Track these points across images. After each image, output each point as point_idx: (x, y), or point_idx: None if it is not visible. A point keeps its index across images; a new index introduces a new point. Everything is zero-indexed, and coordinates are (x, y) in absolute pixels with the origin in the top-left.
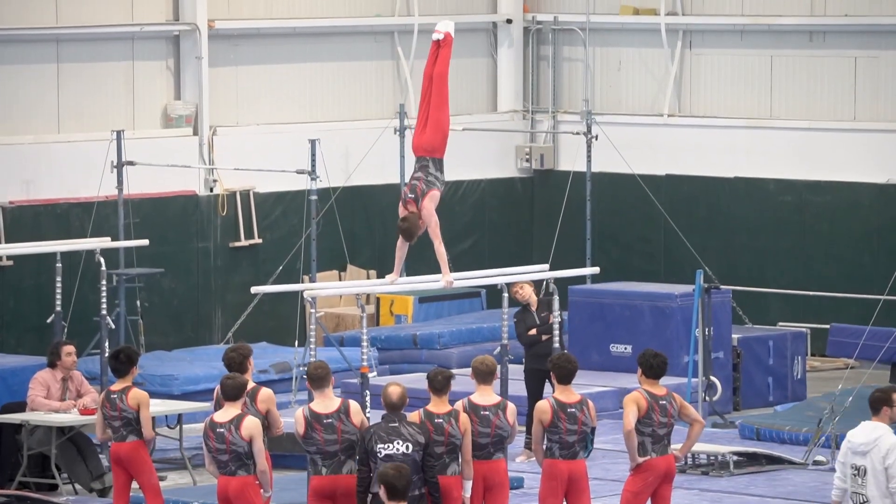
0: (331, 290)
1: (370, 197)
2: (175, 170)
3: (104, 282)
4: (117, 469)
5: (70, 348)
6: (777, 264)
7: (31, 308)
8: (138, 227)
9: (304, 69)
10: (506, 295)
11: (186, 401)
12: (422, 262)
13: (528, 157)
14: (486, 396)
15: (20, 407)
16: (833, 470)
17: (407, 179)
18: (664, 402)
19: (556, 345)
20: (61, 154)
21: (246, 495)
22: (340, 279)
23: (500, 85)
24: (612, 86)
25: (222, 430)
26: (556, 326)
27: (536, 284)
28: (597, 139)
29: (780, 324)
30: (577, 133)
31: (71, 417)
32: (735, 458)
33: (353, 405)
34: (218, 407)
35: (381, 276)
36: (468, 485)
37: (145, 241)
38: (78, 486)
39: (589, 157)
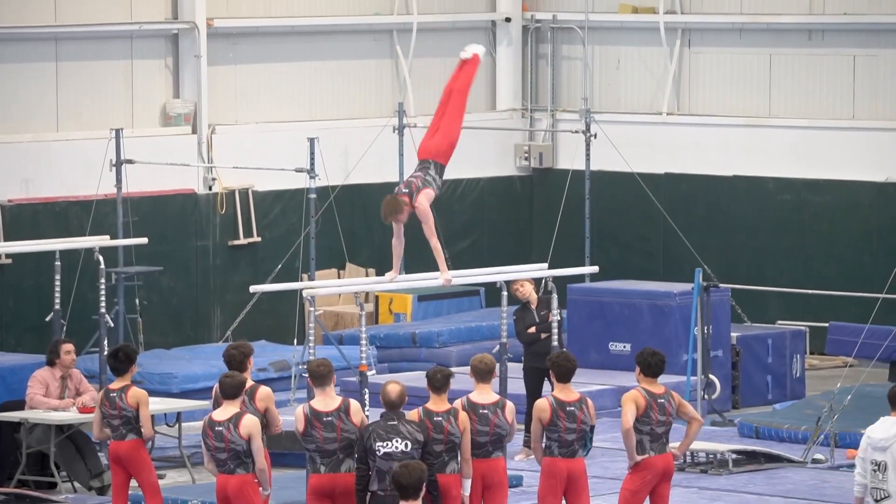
0: (330, 289)
1: (369, 195)
2: (174, 168)
3: (103, 280)
4: (116, 467)
5: (69, 346)
6: (776, 263)
7: (30, 306)
8: (137, 226)
9: (303, 68)
10: (505, 293)
11: (185, 399)
12: (420, 260)
13: (527, 155)
14: (485, 395)
15: (19, 405)
16: (832, 468)
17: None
18: (662, 400)
19: (555, 343)
20: (60, 152)
21: (245, 493)
22: (339, 277)
23: (499, 83)
24: (611, 84)
25: (221, 428)
26: (556, 325)
27: (535, 283)
28: (595, 138)
29: (779, 322)
30: (576, 132)
31: (70, 416)
32: (734, 456)
33: (354, 404)
34: (216, 405)
35: (380, 274)
36: (467, 483)
37: (144, 240)
38: (77, 485)
39: (588, 155)
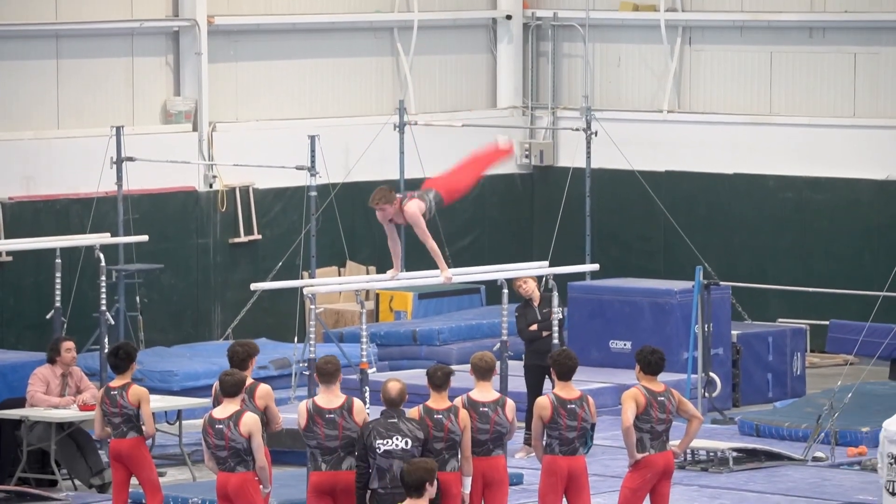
0: (330, 287)
1: (370, 193)
2: (174, 166)
3: (103, 278)
4: (117, 465)
5: (69, 344)
6: (776, 261)
7: (31, 304)
8: (138, 224)
9: (304, 65)
10: (505, 291)
11: (186, 397)
12: (421, 259)
13: (527, 153)
14: (486, 393)
15: (20, 403)
16: (833, 466)
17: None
18: (662, 398)
19: (556, 341)
20: (61, 150)
21: (245, 491)
22: (340, 275)
23: (500, 81)
24: (612, 82)
25: (221, 426)
26: (556, 323)
27: (536, 280)
28: (596, 135)
29: (780, 320)
30: (577, 129)
31: (70, 413)
32: (734, 454)
33: (357, 404)
34: (216, 403)
35: (380, 272)
36: (467, 481)
37: (145, 237)
38: (77, 482)
39: (588, 153)
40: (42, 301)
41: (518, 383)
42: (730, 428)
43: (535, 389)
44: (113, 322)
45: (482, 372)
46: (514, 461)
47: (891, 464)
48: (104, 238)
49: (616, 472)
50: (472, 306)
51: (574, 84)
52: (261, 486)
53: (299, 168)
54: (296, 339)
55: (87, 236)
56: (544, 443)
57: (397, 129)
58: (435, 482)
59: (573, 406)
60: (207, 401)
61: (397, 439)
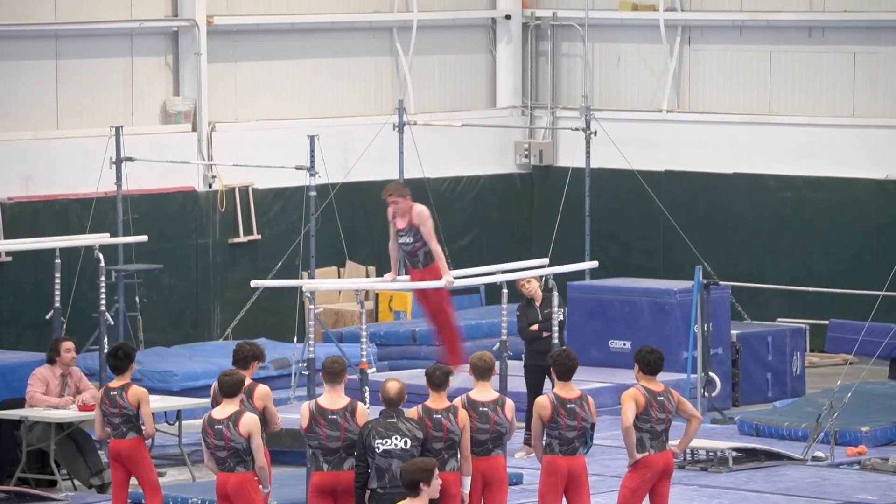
0: (330, 285)
1: (369, 193)
2: (174, 166)
3: (103, 278)
4: (116, 465)
5: (69, 344)
6: (776, 260)
7: (30, 304)
8: (137, 224)
9: (303, 65)
10: (505, 291)
11: (185, 397)
12: None
13: (526, 152)
14: (485, 393)
15: (19, 403)
16: (832, 466)
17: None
18: (662, 398)
19: (556, 341)
20: (60, 150)
21: (245, 491)
22: (339, 275)
23: (499, 81)
24: (611, 82)
25: (220, 426)
26: (556, 323)
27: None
28: (595, 135)
29: (779, 320)
30: (576, 129)
31: (70, 413)
32: (734, 453)
33: (361, 407)
34: (215, 403)
35: (380, 272)
36: (467, 481)
37: (144, 238)
38: (77, 483)
39: (588, 153)
40: (41, 301)
41: (517, 383)
42: (729, 427)
43: (534, 389)
44: (112, 322)
45: (481, 372)
46: (514, 461)
47: None
48: (104, 238)
49: (616, 471)
50: (472, 306)
51: (573, 84)
52: (260, 486)
53: (299, 168)
54: (295, 339)
55: (86, 236)
56: (544, 442)
57: (396, 129)
58: (432, 482)
59: (573, 406)
60: (207, 401)
61: (396, 439)
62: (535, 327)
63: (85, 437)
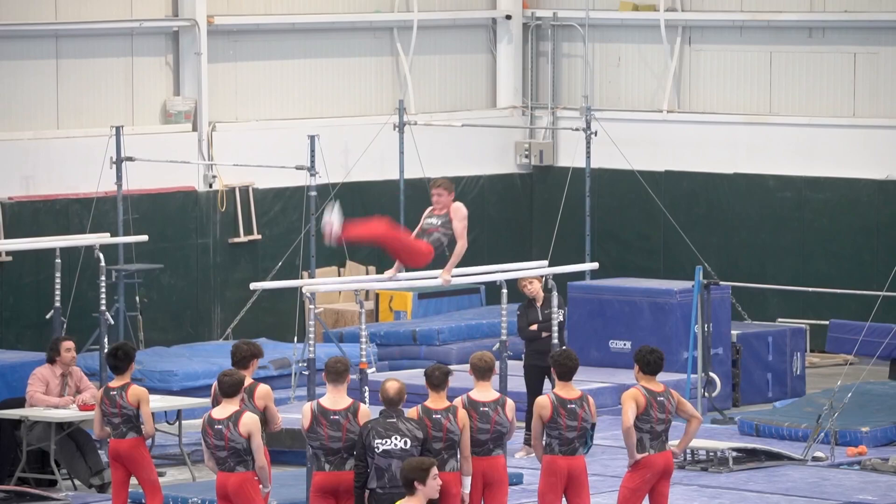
0: (330, 286)
1: (369, 193)
2: (174, 166)
3: (103, 278)
4: (116, 465)
5: (69, 344)
6: (776, 260)
7: (30, 304)
8: (137, 223)
9: (304, 65)
10: (505, 291)
11: (185, 397)
12: None
13: (527, 153)
14: (485, 393)
15: (19, 403)
16: (832, 466)
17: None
18: (662, 398)
19: (556, 341)
20: (60, 150)
21: (245, 491)
22: (339, 275)
23: (500, 81)
24: (612, 82)
25: (220, 426)
26: (556, 323)
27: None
28: (596, 135)
29: (780, 320)
30: (577, 129)
31: (70, 413)
32: (734, 454)
33: (363, 408)
34: (215, 403)
35: (380, 272)
36: (467, 481)
37: (144, 237)
38: (77, 482)
39: (588, 153)
40: (42, 301)
41: (517, 383)
42: (729, 428)
43: (535, 389)
44: (112, 322)
45: (482, 372)
46: (514, 461)
47: None
48: (104, 238)
49: (616, 471)
50: (472, 306)
51: (574, 84)
52: (260, 486)
53: (299, 168)
54: (295, 339)
55: (86, 236)
56: (544, 443)
57: (397, 129)
58: (428, 482)
59: (573, 406)
60: (207, 401)
61: (396, 439)
62: (534, 327)
63: (85, 437)
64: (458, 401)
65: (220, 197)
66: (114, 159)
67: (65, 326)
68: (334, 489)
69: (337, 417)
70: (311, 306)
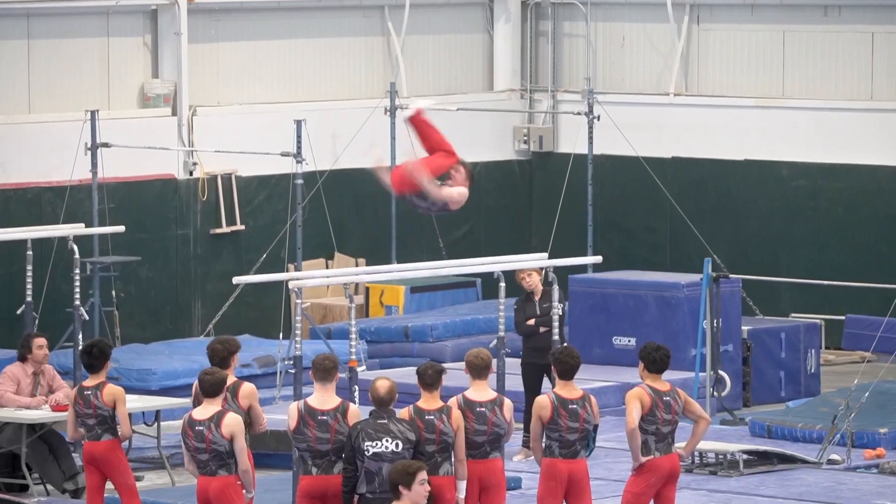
0: (317, 280)
1: (359, 181)
2: (152, 152)
3: (77, 271)
4: (91, 469)
5: (41, 341)
6: (790, 252)
7: (1, 298)
8: (114, 213)
9: (290, 46)
10: (503, 285)
11: (164, 397)
12: (412, 251)
13: (526, 138)
14: (482, 392)
15: None
16: (849, 469)
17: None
18: (668, 398)
19: (556, 337)
20: (32, 135)
21: (227, 496)
22: (328, 268)
23: (497, 62)
24: (615, 63)
25: (202, 427)
26: (556, 318)
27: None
28: (599, 120)
29: (793, 315)
30: (578, 113)
31: (42, 414)
32: (745, 456)
33: (353, 408)
34: (196, 403)
35: (370, 264)
36: (462, 485)
37: (121, 228)
38: (50, 487)
39: (590, 138)
40: (12, 295)
41: (515, 382)
42: (740, 429)
43: (532, 388)
44: (87, 317)
45: (478, 370)
46: (513, 464)
47: None
48: (78, 229)
49: (619, 475)
50: (468, 300)
51: (575, 65)
52: (244, 491)
53: (284, 154)
54: (281, 336)
55: (60, 227)
56: (544, 445)
57: (388, 113)
58: (414, 487)
59: (575, 406)
60: (187, 401)
61: (387, 441)
62: (532, 322)
63: (58, 439)
64: (453, 401)
65: (202, 185)
66: (89, 145)
67: (37, 322)
68: (322, 494)
69: (325, 418)
70: (298, 301)
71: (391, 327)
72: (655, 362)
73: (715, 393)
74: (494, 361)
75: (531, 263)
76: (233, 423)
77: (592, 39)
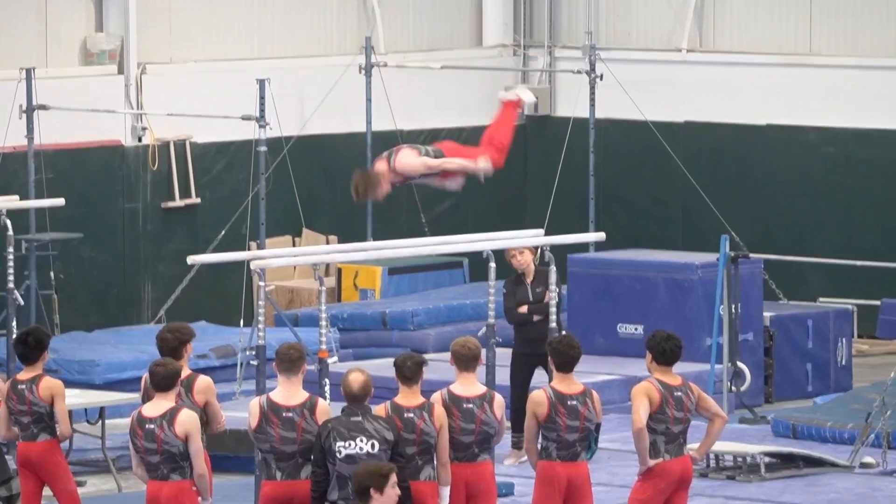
0: (283, 260)
1: (330, 148)
2: (96, 115)
3: (11, 249)
4: (26, 473)
5: None
6: (817, 229)
7: None
8: (52, 184)
9: None
10: (493, 265)
11: (110, 391)
12: (389, 229)
13: None
14: (470, 386)
15: None
16: (884, 473)
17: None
18: (679, 393)
19: (553, 325)
20: None
21: (181, 503)
22: (294, 246)
23: (486, 14)
24: (621, 15)
25: (152, 426)
26: (553, 304)
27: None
28: (602, 79)
29: (821, 300)
30: (579, 72)
31: None
32: (767, 459)
33: (322, 404)
34: (146, 399)
35: (342, 242)
36: (445, 492)
37: (61, 201)
38: None
39: (592, 100)
40: None
41: (507, 375)
42: (761, 428)
43: (522, 382)
44: (22, 302)
45: (465, 361)
46: (503, 468)
47: None
48: (12, 201)
49: (624, 480)
50: (453, 283)
51: (575, 18)
52: (199, 498)
53: (246, 118)
54: (241, 323)
55: None
56: (539, 446)
57: (363, 71)
58: (386, 490)
59: (574, 403)
60: (136, 396)
61: (361, 441)
62: (524, 309)
63: None
64: (436, 396)
65: (152, 153)
66: (24, 108)
67: None
68: (288, 501)
69: (290, 415)
70: (261, 283)
71: (366, 313)
72: (665, 353)
73: (733, 388)
74: (483, 352)
75: (525, 241)
76: (188, 421)
77: None
